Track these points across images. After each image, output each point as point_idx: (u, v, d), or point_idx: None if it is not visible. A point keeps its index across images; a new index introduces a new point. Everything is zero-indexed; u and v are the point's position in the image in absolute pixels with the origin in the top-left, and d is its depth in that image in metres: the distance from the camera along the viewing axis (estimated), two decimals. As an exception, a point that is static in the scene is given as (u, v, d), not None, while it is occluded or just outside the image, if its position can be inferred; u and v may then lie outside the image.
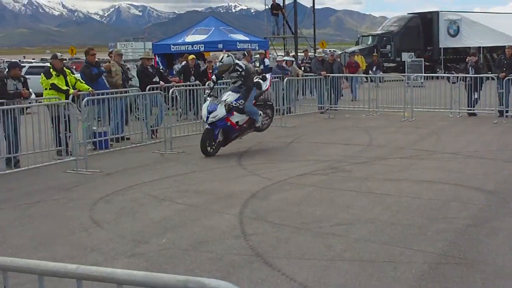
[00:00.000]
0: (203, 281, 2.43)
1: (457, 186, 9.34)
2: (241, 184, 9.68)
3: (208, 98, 12.49)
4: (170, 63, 26.98)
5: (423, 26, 44.31)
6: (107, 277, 2.64)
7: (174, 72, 22.67)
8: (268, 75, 14.15)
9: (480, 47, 39.69)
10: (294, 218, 7.65)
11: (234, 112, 12.30)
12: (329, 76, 20.23)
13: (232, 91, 12.48)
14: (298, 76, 20.55)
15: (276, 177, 10.14)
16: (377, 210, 8.00)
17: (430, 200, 8.45)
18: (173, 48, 27.68)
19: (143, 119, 14.37)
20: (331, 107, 20.28)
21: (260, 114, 13.01)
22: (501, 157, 11.72)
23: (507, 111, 17.64)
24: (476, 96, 18.56)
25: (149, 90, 14.77)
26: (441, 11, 44.91)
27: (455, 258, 6.12)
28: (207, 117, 12.09)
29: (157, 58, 27.36)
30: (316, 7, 40.21)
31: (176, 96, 14.97)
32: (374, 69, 30.58)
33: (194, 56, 20.35)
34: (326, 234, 6.96)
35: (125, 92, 15.00)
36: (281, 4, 38.12)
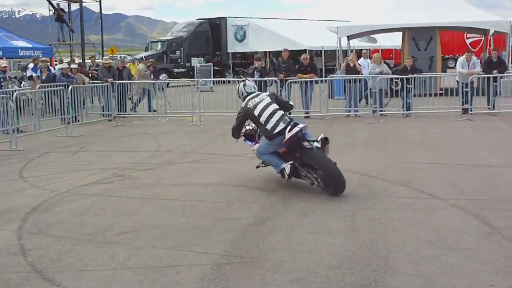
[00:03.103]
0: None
1: (242, 187, 9.63)
2: (21, 198, 9.16)
3: None
4: None
5: (212, 31, 45.44)
6: None
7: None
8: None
9: (266, 51, 41.51)
10: (77, 229, 7.41)
11: None
12: (116, 83, 19.92)
13: None
14: (84, 84, 20.02)
15: (60, 188, 9.77)
16: (162, 215, 8.00)
17: (215, 202, 8.62)
18: None
19: None
20: (119, 114, 20.00)
21: None
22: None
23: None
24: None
25: None
26: (229, 17, 46.59)
27: (237, 257, 6.28)
28: None
29: None
30: (105, 12, 39.92)
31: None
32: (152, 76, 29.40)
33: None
34: (110, 244, 6.82)
35: None
36: (66, 10, 37.24)
